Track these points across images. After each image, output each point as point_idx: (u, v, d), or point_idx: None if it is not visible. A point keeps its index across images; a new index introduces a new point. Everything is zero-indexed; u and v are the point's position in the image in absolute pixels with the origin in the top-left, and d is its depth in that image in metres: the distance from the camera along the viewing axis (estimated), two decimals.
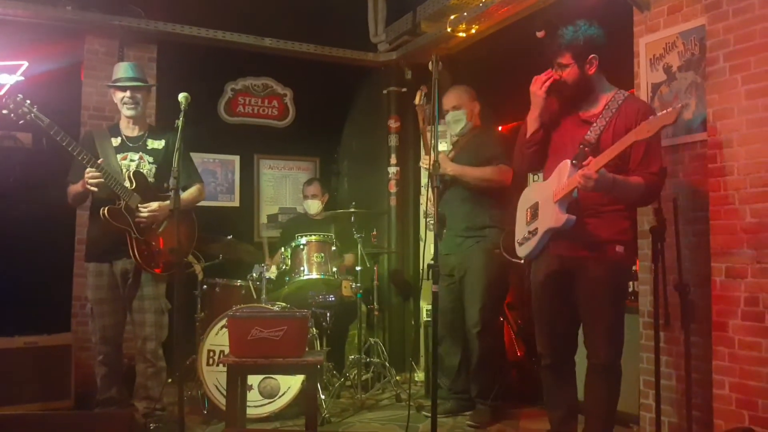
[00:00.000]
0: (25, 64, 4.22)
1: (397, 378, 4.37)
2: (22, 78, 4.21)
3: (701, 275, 2.93)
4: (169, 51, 4.67)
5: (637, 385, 3.26)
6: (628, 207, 2.75)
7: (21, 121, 3.13)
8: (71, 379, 3.94)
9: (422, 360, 4.69)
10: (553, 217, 2.66)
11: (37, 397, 3.80)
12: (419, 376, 4.66)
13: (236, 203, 5.21)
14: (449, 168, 3.59)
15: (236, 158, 5.23)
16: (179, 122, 3.00)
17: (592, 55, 2.72)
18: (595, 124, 2.71)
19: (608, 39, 3.67)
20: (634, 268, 3.45)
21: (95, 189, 3.18)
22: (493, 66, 4.45)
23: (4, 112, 3.10)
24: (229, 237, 4.20)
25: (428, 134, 3.52)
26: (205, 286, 4.05)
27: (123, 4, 4.44)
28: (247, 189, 5.27)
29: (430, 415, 2.79)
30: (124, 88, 3.37)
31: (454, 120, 3.77)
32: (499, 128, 4.55)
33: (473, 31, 4.28)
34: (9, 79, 4.19)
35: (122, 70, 3.44)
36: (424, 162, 3.57)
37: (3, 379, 3.73)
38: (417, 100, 3.58)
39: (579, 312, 2.77)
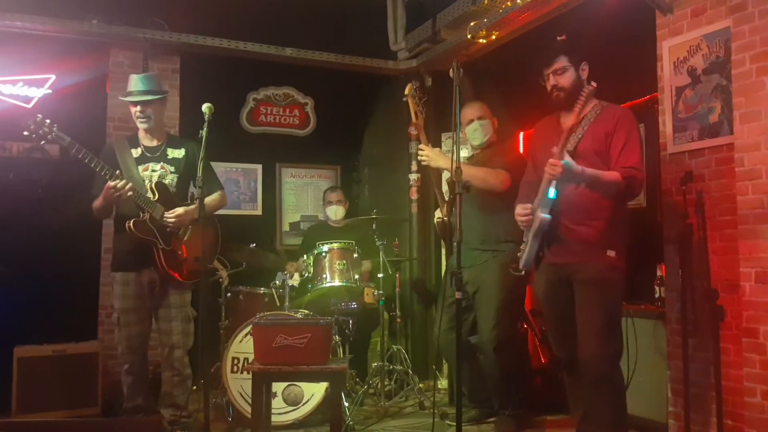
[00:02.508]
0: (53, 77, 4.31)
1: (420, 386, 4.35)
2: (50, 91, 4.30)
3: (730, 280, 2.88)
4: (192, 62, 4.73)
5: (664, 392, 3.21)
6: (614, 213, 2.78)
7: (42, 142, 3.18)
8: (98, 386, 3.98)
9: (445, 368, 4.67)
10: (535, 221, 2.81)
11: (64, 404, 3.85)
12: (442, 383, 4.63)
13: (259, 212, 5.25)
14: (441, 162, 3.45)
15: (258, 167, 5.28)
16: (203, 132, 3.05)
17: (584, 61, 2.87)
18: (573, 135, 2.82)
19: (631, 43, 3.67)
20: (660, 274, 3.42)
21: (121, 196, 3.18)
22: (514, 72, 4.44)
23: (25, 133, 3.14)
24: (252, 245, 4.23)
25: (422, 130, 3.54)
26: (229, 294, 4.09)
27: (147, 17, 4.51)
28: (270, 197, 5.32)
29: (454, 423, 2.77)
30: (134, 103, 3.39)
31: (481, 128, 3.68)
32: (521, 134, 4.54)
33: (493, 37, 4.28)
34: (37, 92, 4.28)
35: (133, 83, 3.43)
36: (422, 154, 3.48)
37: (32, 386, 3.80)
38: (407, 91, 3.53)
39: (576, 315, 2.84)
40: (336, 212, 4.73)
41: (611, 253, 2.75)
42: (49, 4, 4.18)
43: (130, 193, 3.19)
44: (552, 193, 2.70)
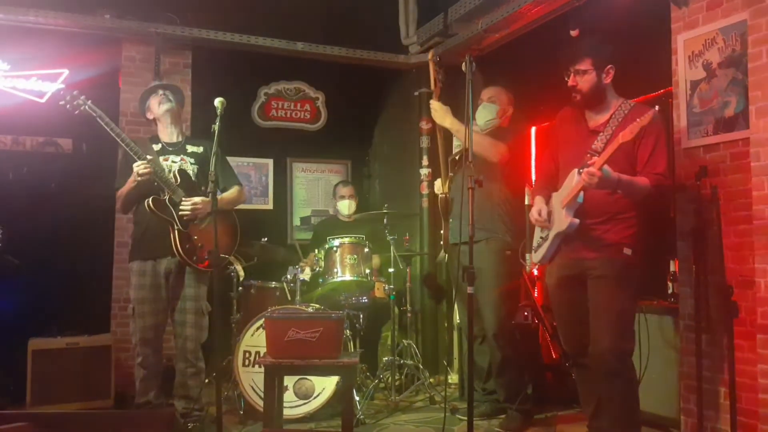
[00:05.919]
0: (66, 72, 4.33)
1: (431, 380, 4.35)
2: (63, 85, 4.31)
3: (745, 276, 2.86)
4: (204, 57, 4.74)
5: (676, 388, 3.19)
6: (637, 213, 2.81)
7: (76, 112, 3.31)
8: (111, 379, 4.02)
9: (456, 362, 4.67)
10: (559, 222, 2.79)
11: (78, 396, 3.89)
12: (453, 378, 4.63)
13: (270, 206, 5.27)
14: (447, 121, 3.54)
15: (270, 162, 5.30)
16: (215, 126, 3.06)
17: (610, 65, 2.83)
18: (602, 134, 2.82)
19: (645, 36, 3.63)
20: (673, 269, 3.40)
21: (145, 176, 3.25)
22: (525, 66, 4.41)
23: (61, 103, 3.30)
24: (263, 239, 4.25)
25: (438, 97, 3.57)
26: (240, 288, 4.11)
27: (158, 12, 4.53)
28: (281, 192, 5.33)
29: (465, 417, 2.77)
30: (156, 91, 3.55)
31: (485, 110, 3.71)
32: (533, 128, 4.51)
33: (506, 31, 4.25)
34: (50, 87, 4.30)
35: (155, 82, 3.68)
36: (433, 106, 3.57)
37: (46, 378, 3.84)
38: (430, 56, 3.57)
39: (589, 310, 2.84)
40: (348, 206, 4.73)
41: (628, 251, 2.76)
42: None
43: (152, 171, 3.26)
44: (581, 197, 2.73)
